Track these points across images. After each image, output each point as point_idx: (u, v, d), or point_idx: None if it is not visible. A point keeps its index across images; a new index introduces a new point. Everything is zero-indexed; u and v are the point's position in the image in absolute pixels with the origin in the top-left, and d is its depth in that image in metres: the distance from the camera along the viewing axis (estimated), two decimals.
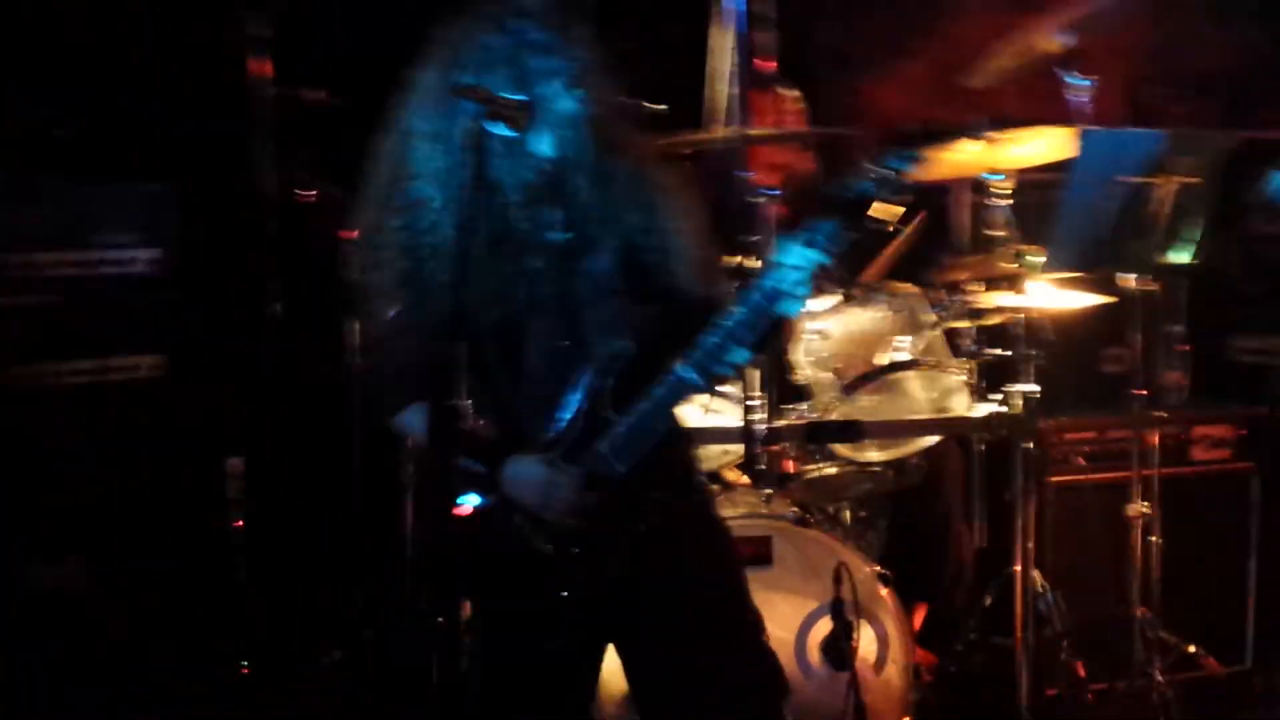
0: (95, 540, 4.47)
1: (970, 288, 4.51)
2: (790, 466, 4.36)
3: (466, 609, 3.06)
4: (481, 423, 2.88)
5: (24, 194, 4.47)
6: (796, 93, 4.96)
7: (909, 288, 4.53)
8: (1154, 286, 4.59)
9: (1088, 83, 4.46)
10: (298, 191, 4.67)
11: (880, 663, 3.99)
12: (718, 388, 2.94)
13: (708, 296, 3.01)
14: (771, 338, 2.86)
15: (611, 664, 3.10)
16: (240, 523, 4.63)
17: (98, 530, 4.46)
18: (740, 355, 2.84)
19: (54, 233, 4.49)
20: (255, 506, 4.64)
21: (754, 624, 3.12)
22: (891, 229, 2.82)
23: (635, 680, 3.08)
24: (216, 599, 4.62)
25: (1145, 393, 4.55)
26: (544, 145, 2.89)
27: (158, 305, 4.61)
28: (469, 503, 2.91)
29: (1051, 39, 4.52)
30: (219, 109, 4.86)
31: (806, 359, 4.39)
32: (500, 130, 2.81)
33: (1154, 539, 4.48)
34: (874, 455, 4.44)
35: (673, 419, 2.97)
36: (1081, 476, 4.83)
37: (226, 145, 4.81)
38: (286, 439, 4.74)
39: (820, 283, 3.47)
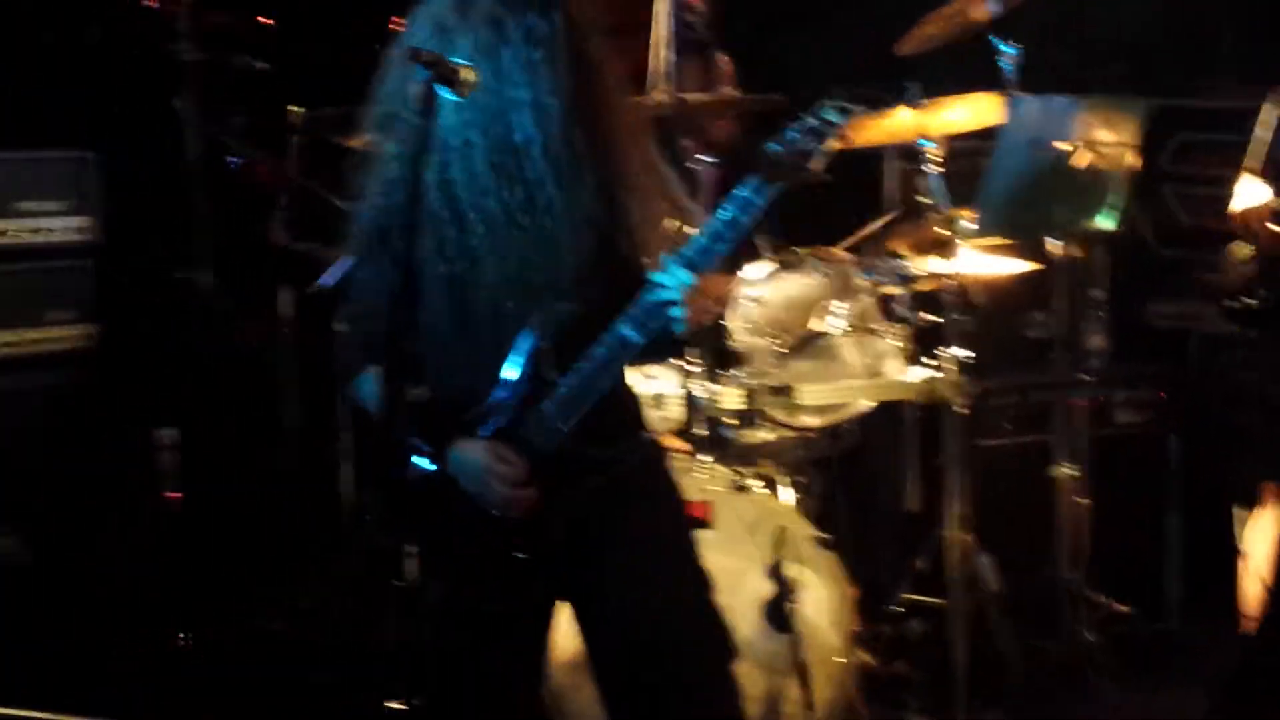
0: (25, 514, 4.40)
1: (902, 253, 4.55)
2: (726, 433, 4.37)
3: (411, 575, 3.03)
4: (426, 392, 2.87)
5: None
6: (727, 58, 4.96)
7: (842, 254, 4.56)
8: (1078, 252, 4.66)
9: (1015, 49, 4.52)
10: (227, 158, 4.61)
11: (821, 624, 4.01)
12: (661, 350, 2.96)
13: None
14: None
15: (563, 628, 3.10)
16: (177, 494, 4.57)
17: (28, 504, 4.40)
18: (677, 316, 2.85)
19: None
20: (190, 478, 4.58)
21: (704, 583, 3.12)
22: (818, 180, 2.83)
23: (589, 638, 3.08)
24: (153, 571, 4.55)
25: (1068, 357, 4.62)
26: (501, 111, 2.87)
27: (85, 274, 4.55)
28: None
29: (978, 6, 4.58)
30: (143, 75, 4.78)
31: (742, 325, 4.41)
32: (447, 94, 2.78)
33: (1079, 500, 4.56)
34: (809, 420, 4.48)
35: (616, 378, 2.99)
36: (1007, 439, 4.90)
37: (153, 112, 4.73)
38: (220, 409, 4.68)
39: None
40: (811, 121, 2.80)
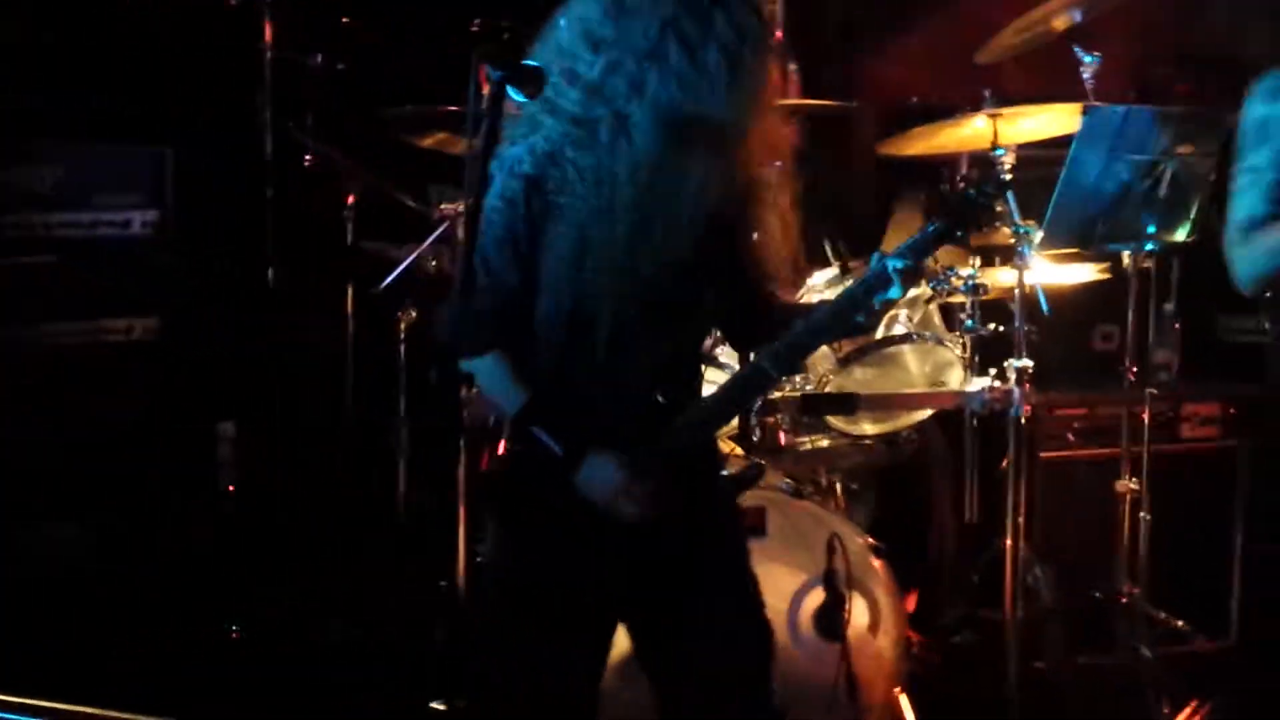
0: (86, 502, 4.48)
1: (968, 262, 4.53)
2: (783, 438, 4.38)
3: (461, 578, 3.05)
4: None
5: (24, 155, 4.48)
6: (793, 65, 4.96)
7: None
8: (1148, 264, 4.61)
9: (1095, 59, 4.48)
10: (301, 157, 4.66)
11: (872, 634, 4.01)
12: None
13: (777, 291, 3.07)
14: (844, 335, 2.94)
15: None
16: (231, 487, 4.63)
17: (88, 492, 4.47)
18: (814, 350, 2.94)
19: (53, 193, 4.51)
20: (246, 471, 4.64)
21: (755, 586, 3.14)
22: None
23: (639, 635, 3.11)
24: (207, 562, 4.62)
25: (1136, 369, 4.57)
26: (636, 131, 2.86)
27: (153, 267, 4.63)
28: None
29: (1061, 14, 4.54)
30: (221, 73, 4.85)
31: None
32: (516, 95, 2.78)
33: (1143, 515, 4.51)
34: (867, 428, 4.47)
35: (748, 407, 3.04)
36: (1071, 452, 4.85)
37: (227, 109, 4.81)
38: (279, 404, 4.74)
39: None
40: (986, 187, 2.91)
